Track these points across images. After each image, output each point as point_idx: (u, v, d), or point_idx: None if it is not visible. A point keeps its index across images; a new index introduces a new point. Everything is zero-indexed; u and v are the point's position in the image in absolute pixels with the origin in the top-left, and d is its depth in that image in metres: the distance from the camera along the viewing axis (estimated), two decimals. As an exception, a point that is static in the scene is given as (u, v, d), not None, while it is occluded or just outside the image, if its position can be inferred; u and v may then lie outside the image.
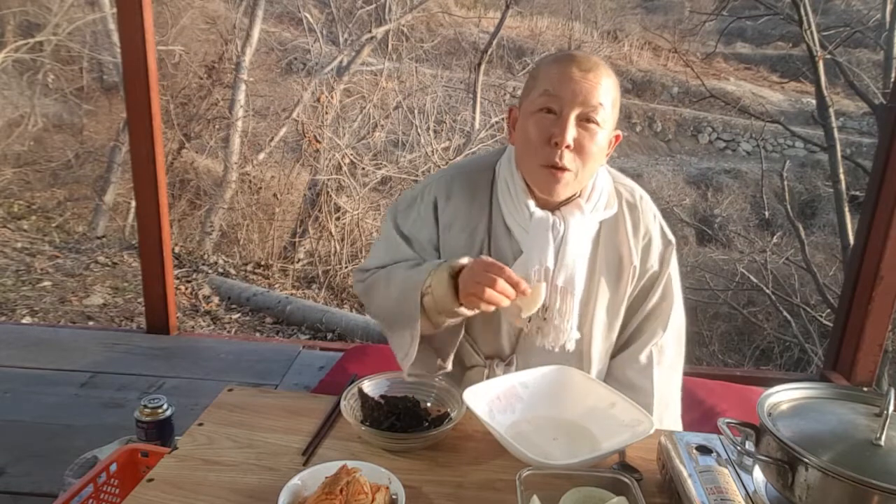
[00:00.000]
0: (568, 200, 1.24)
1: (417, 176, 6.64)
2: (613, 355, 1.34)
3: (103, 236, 5.97)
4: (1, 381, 2.19)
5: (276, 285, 5.53)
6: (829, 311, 5.10)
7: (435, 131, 7.08)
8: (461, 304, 1.12)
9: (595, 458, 0.99)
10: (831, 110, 4.92)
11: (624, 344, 1.33)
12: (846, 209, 4.82)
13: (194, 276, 4.97)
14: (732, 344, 6.78)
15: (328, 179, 6.42)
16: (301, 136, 7.03)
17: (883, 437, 0.84)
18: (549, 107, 1.16)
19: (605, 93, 1.16)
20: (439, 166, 6.46)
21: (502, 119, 7.26)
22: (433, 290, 1.14)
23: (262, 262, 6.05)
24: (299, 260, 6.32)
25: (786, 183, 5.64)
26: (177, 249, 5.33)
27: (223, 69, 7.45)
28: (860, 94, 5.10)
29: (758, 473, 0.95)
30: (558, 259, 1.20)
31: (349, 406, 1.09)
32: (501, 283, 1.06)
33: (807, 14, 4.71)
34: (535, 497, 0.84)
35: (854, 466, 0.80)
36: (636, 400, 1.09)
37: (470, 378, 1.31)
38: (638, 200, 1.31)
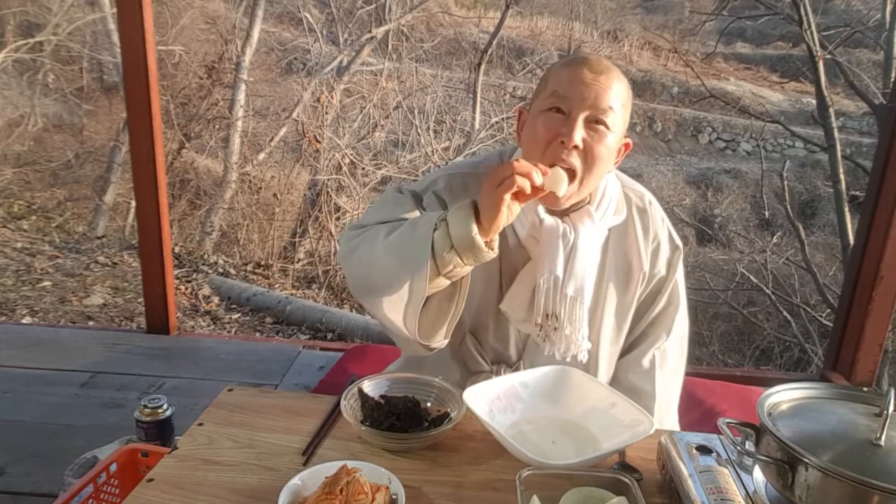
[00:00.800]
0: (577, 206, 1.22)
1: (417, 176, 6.64)
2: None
3: (103, 236, 5.97)
4: (1, 381, 2.19)
5: (276, 285, 5.53)
6: (829, 311, 5.09)
7: (435, 131, 7.08)
8: (479, 231, 1.04)
9: (595, 458, 0.99)
10: (831, 110, 4.92)
11: (627, 348, 1.33)
12: (846, 209, 4.82)
13: (194, 276, 4.97)
14: (732, 344, 6.78)
15: (328, 179, 6.42)
16: (301, 136, 7.03)
17: (883, 437, 0.84)
18: (559, 106, 1.14)
19: (616, 96, 1.14)
20: (439, 166, 6.45)
21: (502, 119, 7.26)
22: (448, 220, 1.06)
23: (262, 262, 6.05)
24: (299, 260, 6.32)
25: (786, 183, 5.64)
26: (177, 249, 5.33)
27: (223, 69, 7.45)
28: (860, 94, 5.10)
29: (758, 473, 0.95)
30: (568, 268, 1.18)
31: (349, 406, 1.09)
32: (520, 165, 1.01)
33: (807, 14, 4.71)
34: (535, 497, 0.84)
35: (854, 466, 0.80)
36: (638, 403, 1.09)
37: (474, 383, 1.31)
38: (647, 205, 1.30)
